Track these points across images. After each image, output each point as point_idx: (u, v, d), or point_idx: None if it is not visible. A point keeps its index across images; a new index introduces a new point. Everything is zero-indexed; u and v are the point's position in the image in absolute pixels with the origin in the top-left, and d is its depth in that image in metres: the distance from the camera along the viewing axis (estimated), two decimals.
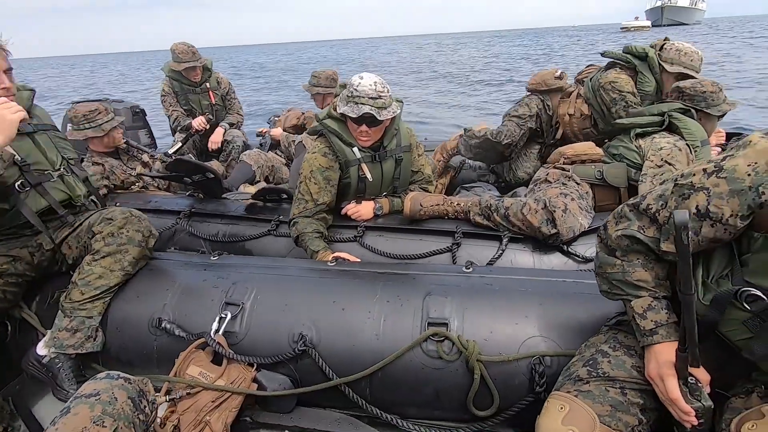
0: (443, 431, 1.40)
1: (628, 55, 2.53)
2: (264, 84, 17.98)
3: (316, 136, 2.07)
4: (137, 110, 3.83)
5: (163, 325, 1.51)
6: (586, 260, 1.84)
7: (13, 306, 1.62)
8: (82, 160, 1.95)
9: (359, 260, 1.85)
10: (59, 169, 1.69)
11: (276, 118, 4.14)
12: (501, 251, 1.89)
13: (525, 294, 1.47)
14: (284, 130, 3.71)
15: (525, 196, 2.09)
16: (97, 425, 0.95)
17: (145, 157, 3.02)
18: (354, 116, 1.80)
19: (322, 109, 3.41)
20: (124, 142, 2.87)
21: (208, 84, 3.71)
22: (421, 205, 2.03)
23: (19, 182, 1.53)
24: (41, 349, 1.53)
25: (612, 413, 0.97)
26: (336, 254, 1.82)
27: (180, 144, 3.63)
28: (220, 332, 1.46)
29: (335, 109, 1.95)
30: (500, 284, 1.53)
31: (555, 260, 1.88)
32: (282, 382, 1.45)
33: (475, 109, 9.38)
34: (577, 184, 2.06)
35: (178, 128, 3.68)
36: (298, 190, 1.98)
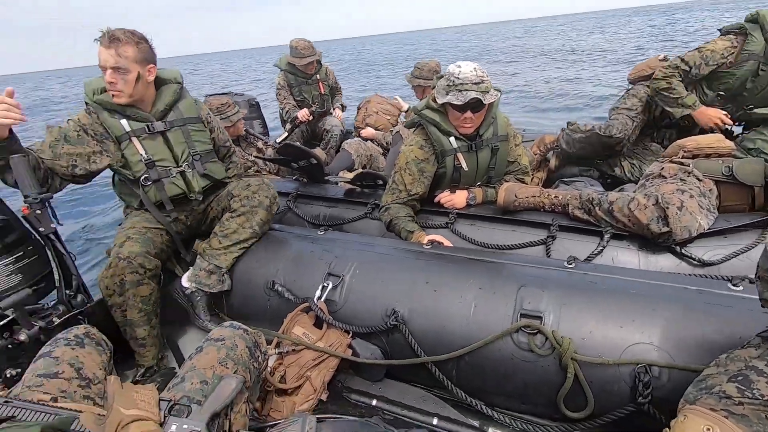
0: (529, 425, 1.38)
1: (742, 22, 2.37)
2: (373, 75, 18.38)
3: (414, 128, 2.13)
4: (253, 102, 4.25)
5: (275, 287, 1.72)
6: (704, 264, 1.67)
7: (167, 259, 1.94)
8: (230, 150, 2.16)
9: (452, 245, 1.89)
10: (181, 166, 1.85)
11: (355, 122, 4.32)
12: (601, 247, 1.79)
13: (635, 297, 1.38)
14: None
15: (634, 192, 1.94)
16: (222, 365, 1.12)
17: (260, 144, 3.37)
18: (460, 103, 1.83)
19: (421, 99, 3.48)
20: (244, 131, 3.24)
21: (318, 75, 3.98)
22: (516, 196, 2.00)
23: (143, 177, 1.77)
24: (185, 281, 1.85)
25: None
26: (431, 237, 1.88)
27: (287, 134, 3.97)
28: (323, 299, 1.61)
29: (434, 100, 2.00)
30: (606, 284, 1.45)
31: (665, 262, 1.74)
32: (374, 351, 1.56)
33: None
34: (699, 180, 1.86)
35: (288, 119, 4.01)
36: (393, 179, 2.06)
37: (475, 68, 1.85)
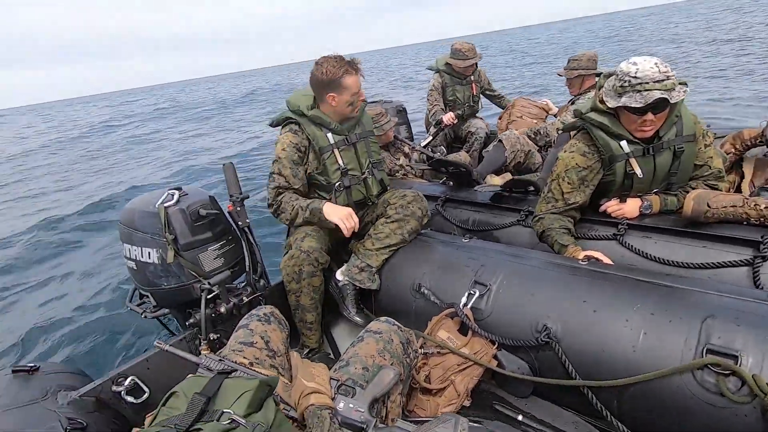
0: None
1: None
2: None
3: (575, 132, 1.95)
4: (401, 108, 4.43)
5: (421, 290, 1.77)
6: None
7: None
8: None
9: (612, 263, 1.68)
10: (364, 173, 2.08)
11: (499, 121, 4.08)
12: None
13: None
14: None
15: None
16: (381, 356, 1.20)
17: (406, 149, 3.51)
18: (640, 105, 1.61)
19: (576, 94, 3.18)
20: (393, 137, 3.42)
21: (472, 77, 3.97)
22: (709, 206, 1.67)
23: (338, 183, 2.00)
24: (339, 275, 2.04)
25: None
26: (588, 253, 1.70)
27: (431, 137, 4.03)
28: (469, 306, 1.60)
29: (602, 102, 1.80)
30: None
31: None
32: (521, 366, 1.49)
33: None
34: None
35: (433, 122, 4.08)
36: (549, 187, 1.92)
37: (656, 63, 1.60)
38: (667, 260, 1.65)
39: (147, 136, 14.59)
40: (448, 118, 3.87)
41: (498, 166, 3.02)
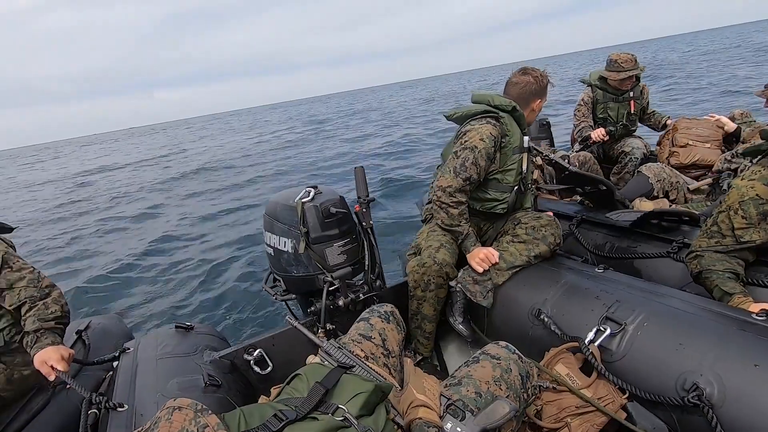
0: None
1: None
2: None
3: (760, 157, 1.59)
4: (544, 122, 4.14)
5: (541, 316, 1.63)
6: None
7: None
8: None
9: None
10: (530, 185, 2.08)
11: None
12: None
13: None
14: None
15: None
16: (496, 384, 1.13)
17: (538, 160, 3.27)
18: None
19: None
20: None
21: (632, 93, 3.51)
22: None
23: (516, 187, 1.95)
24: (452, 281, 1.97)
25: None
26: (766, 306, 1.36)
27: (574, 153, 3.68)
28: (596, 344, 1.42)
29: None
30: None
31: None
32: (657, 426, 1.26)
33: None
34: None
35: (578, 138, 3.72)
36: (714, 219, 1.60)
37: None
38: None
39: None
40: (598, 134, 3.45)
41: (644, 193, 2.63)
